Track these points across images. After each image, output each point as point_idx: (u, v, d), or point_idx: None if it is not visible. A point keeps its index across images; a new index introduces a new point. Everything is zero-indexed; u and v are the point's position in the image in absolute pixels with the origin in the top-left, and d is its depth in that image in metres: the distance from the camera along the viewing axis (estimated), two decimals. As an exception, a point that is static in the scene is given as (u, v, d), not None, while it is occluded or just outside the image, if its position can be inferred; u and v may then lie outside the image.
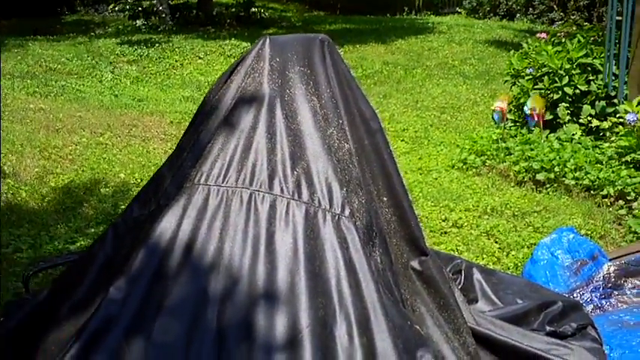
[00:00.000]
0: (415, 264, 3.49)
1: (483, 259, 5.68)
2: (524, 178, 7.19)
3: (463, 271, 4.13)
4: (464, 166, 7.67)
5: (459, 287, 3.91)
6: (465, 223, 6.30)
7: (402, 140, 8.72)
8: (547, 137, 7.71)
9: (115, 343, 2.77)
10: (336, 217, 3.01)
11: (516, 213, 6.49)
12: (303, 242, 2.95)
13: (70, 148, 7.75)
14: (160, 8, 16.49)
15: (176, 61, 13.10)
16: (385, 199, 3.43)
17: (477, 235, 6.08)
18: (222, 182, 3.06)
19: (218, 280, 2.90)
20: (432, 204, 6.68)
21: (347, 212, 3.03)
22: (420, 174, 7.54)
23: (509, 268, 5.48)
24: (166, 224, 3.00)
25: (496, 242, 5.98)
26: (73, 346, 2.81)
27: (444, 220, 6.37)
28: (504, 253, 5.78)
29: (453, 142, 8.52)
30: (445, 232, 6.16)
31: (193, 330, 2.82)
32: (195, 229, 2.98)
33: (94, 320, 2.82)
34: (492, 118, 8.21)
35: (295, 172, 3.07)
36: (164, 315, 2.84)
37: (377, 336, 2.85)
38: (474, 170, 7.57)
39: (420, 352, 2.93)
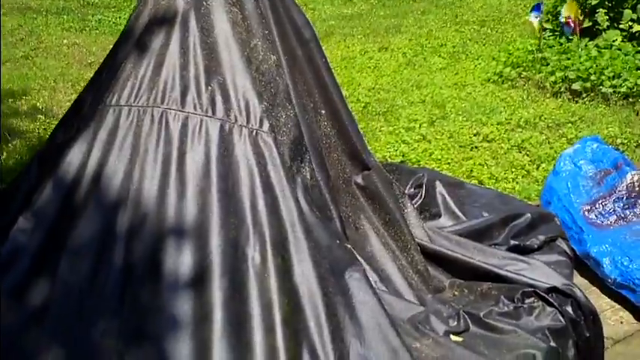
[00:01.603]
0: (358, 179, 3.33)
1: (512, 172, 5.51)
2: (560, 88, 6.92)
3: (425, 185, 3.90)
4: (499, 79, 7.41)
5: (420, 202, 3.72)
6: (497, 137, 6.11)
7: (439, 56, 8.46)
8: (585, 45, 7.42)
9: (18, 278, 2.71)
10: (254, 133, 2.85)
11: (550, 124, 6.27)
12: (216, 160, 2.80)
13: (102, 81, 7.69)
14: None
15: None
16: (323, 112, 3.25)
17: (507, 149, 5.89)
18: (134, 102, 2.92)
19: (126, 207, 2.78)
20: (464, 119, 6.48)
21: (266, 127, 2.87)
22: (455, 89, 7.32)
23: (537, 181, 5.30)
24: (77, 150, 2.89)
25: (527, 155, 5.79)
26: None
27: (475, 135, 6.18)
28: (534, 166, 5.60)
29: (492, 55, 8.23)
30: (475, 147, 5.98)
31: (99, 263, 2.73)
32: (105, 152, 2.86)
33: (1, 254, 2.75)
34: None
35: (210, 88, 2.91)
36: (69, 250, 2.75)
37: (295, 257, 2.72)
38: (509, 83, 7.31)
39: (348, 271, 2.78)
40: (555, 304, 3.10)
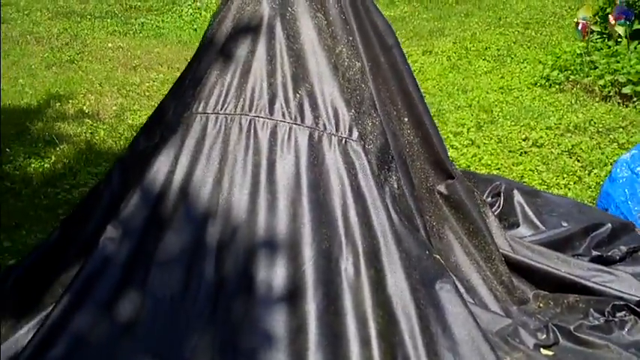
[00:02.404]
0: (442, 188, 3.29)
1: (564, 178, 5.45)
2: (609, 92, 6.85)
3: (503, 194, 3.86)
4: (546, 83, 7.33)
5: (499, 211, 3.67)
6: (546, 142, 6.05)
7: (483, 59, 8.42)
8: (635, 48, 7.34)
9: (109, 289, 2.70)
10: (343, 141, 2.82)
11: (600, 129, 6.20)
12: (306, 169, 2.77)
13: (148, 84, 7.73)
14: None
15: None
16: (406, 119, 3.21)
17: (557, 154, 5.83)
18: (221, 109, 2.88)
19: (216, 217, 2.76)
20: (512, 123, 6.43)
21: (355, 135, 2.83)
22: (502, 93, 7.27)
23: (590, 187, 5.24)
24: (163, 158, 2.86)
25: (578, 161, 5.73)
26: (69, 289, 2.76)
27: (524, 140, 6.13)
28: (586, 172, 5.53)
29: (537, 58, 8.16)
30: (525, 152, 5.93)
31: (190, 275, 2.71)
32: (193, 161, 2.84)
33: (90, 263, 2.74)
34: (576, 31, 7.86)
35: (298, 95, 2.87)
36: (159, 262, 2.74)
37: (387, 267, 2.68)
38: (557, 87, 7.24)
39: (439, 283, 2.75)
40: (648, 318, 3.06)
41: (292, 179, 2.77)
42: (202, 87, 2.96)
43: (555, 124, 6.35)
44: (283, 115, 2.86)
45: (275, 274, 2.68)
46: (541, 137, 6.11)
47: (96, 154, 5.88)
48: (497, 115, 6.63)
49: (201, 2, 11.92)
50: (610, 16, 7.59)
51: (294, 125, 2.84)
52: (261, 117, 2.85)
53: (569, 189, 5.29)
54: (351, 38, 3.05)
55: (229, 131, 2.85)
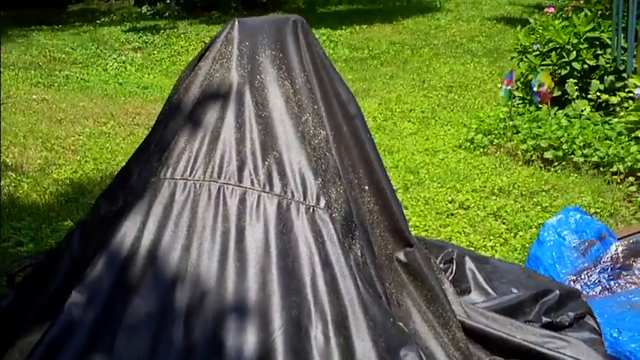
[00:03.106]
0: (400, 255, 3.34)
1: (490, 240, 5.56)
2: (532, 156, 7.04)
3: (455, 261, 3.93)
4: (471, 146, 7.51)
5: (451, 278, 3.73)
6: (472, 204, 6.17)
7: (408, 121, 8.59)
8: (555, 114, 7.57)
9: (75, 354, 2.66)
10: (311, 210, 2.86)
11: (524, 192, 6.35)
12: (275, 237, 2.80)
13: (73, 138, 7.67)
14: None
15: (181, 47, 12.98)
16: (367, 187, 3.27)
17: (484, 217, 5.95)
18: (190, 176, 2.91)
19: (185, 282, 2.75)
20: (439, 185, 6.56)
21: (322, 204, 2.88)
22: (427, 155, 7.41)
23: (516, 250, 5.36)
24: (130, 223, 2.86)
25: (503, 223, 5.85)
26: (32, 354, 2.70)
27: (450, 202, 6.24)
28: (512, 234, 5.66)
29: (461, 121, 8.37)
30: (452, 214, 6.04)
31: (158, 342, 2.69)
32: (160, 227, 2.84)
33: (54, 328, 2.69)
34: (504, 95, 8.07)
35: (266, 163, 2.91)
36: (126, 327, 2.71)
37: (355, 335, 2.71)
38: (481, 150, 7.43)
39: (403, 350, 2.79)
40: (602, 382, 3.15)
41: (261, 247, 2.79)
42: (170, 152, 2.97)
43: (480, 186, 6.49)
44: (252, 182, 2.88)
45: (245, 342, 2.67)
46: (467, 199, 6.24)
47: (19, 208, 5.79)
48: (424, 177, 6.75)
49: (126, 56, 11.92)
50: (537, 80, 7.83)
51: (262, 193, 2.86)
52: (230, 184, 2.87)
53: (495, 251, 5.39)
54: (316, 107, 3.10)
55: (198, 198, 2.86)
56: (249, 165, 2.91)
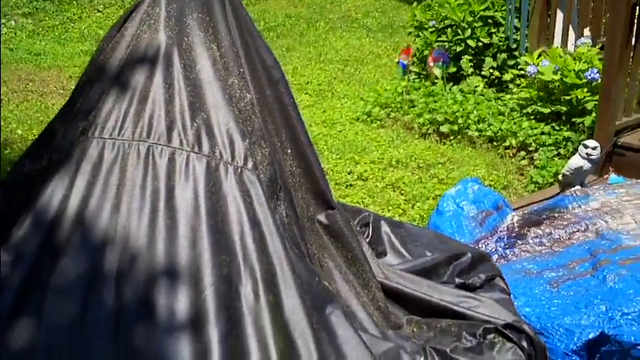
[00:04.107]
0: (322, 218, 3.40)
1: (389, 211, 5.68)
2: (428, 130, 7.20)
3: (371, 224, 4.00)
4: (368, 119, 7.62)
5: (368, 240, 3.82)
6: (371, 176, 6.29)
7: (305, 93, 8.63)
8: (450, 89, 7.73)
9: (1, 315, 2.64)
10: (239, 170, 2.89)
11: (421, 165, 6.50)
12: (204, 197, 2.81)
13: (-38, 101, 7.48)
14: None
15: (74, 14, 12.67)
16: (289, 151, 3.31)
17: (382, 188, 6.08)
18: (118, 135, 2.88)
19: (115, 242, 2.74)
20: (337, 157, 6.65)
21: (250, 165, 2.91)
22: (325, 127, 7.48)
23: (414, 220, 5.49)
24: (57, 182, 2.83)
25: (402, 194, 5.98)
26: None
27: (349, 173, 6.34)
28: (410, 205, 5.79)
29: (357, 94, 8.45)
30: (351, 185, 6.14)
31: (88, 303, 2.68)
32: (89, 186, 2.81)
33: None
34: (400, 69, 8.19)
35: (195, 124, 2.91)
36: (55, 289, 2.69)
37: (284, 293, 2.76)
38: (378, 123, 7.53)
39: (329, 307, 2.86)
40: (514, 339, 3.26)
41: (191, 206, 2.79)
42: (98, 112, 2.93)
43: (378, 158, 6.61)
44: (181, 142, 2.88)
45: (176, 301, 2.68)
46: (365, 171, 6.35)
47: None
48: (323, 148, 6.82)
49: (16, 22, 11.64)
50: (429, 58, 7.96)
51: (191, 153, 2.86)
52: (159, 144, 2.86)
53: (396, 221, 5.52)
54: (241, 70, 3.10)
55: (127, 157, 2.84)
56: (178, 125, 2.91)
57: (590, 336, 3.71)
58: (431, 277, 3.69)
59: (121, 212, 2.78)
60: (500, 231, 4.60)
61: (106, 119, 2.93)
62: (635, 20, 6.11)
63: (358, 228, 3.83)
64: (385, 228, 3.97)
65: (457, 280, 3.77)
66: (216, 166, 2.88)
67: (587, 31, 7.52)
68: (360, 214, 4.06)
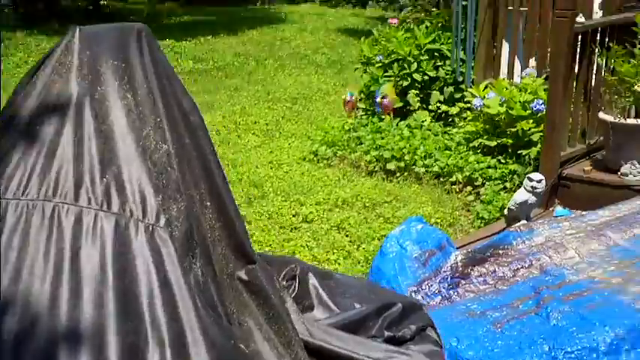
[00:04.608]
0: (242, 274, 3.27)
1: (334, 253, 5.59)
2: (375, 167, 7.16)
3: (298, 277, 3.86)
4: (315, 158, 7.57)
5: (294, 294, 3.68)
6: (316, 218, 6.21)
7: (253, 133, 8.58)
8: (397, 125, 7.71)
9: None
10: (150, 228, 2.76)
11: (367, 204, 6.44)
12: (112, 258, 2.68)
13: None
14: (3, 2, 15.87)
15: (20, 59, 12.60)
16: (208, 203, 3.18)
17: (327, 229, 5.99)
18: (22, 195, 2.74)
19: (15, 307, 2.60)
20: (283, 199, 6.57)
21: (162, 222, 2.78)
22: (271, 168, 7.42)
23: (359, 262, 5.41)
24: None
25: (347, 235, 5.90)
26: None
27: (294, 216, 6.26)
28: (355, 247, 5.71)
29: (305, 133, 8.42)
30: (295, 228, 6.05)
31: None
32: None
33: None
34: (344, 107, 8.17)
35: (105, 180, 2.78)
36: None
37: (195, 359, 2.64)
38: (325, 162, 7.48)
39: None
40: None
41: (97, 268, 2.65)
42: (3, 169, 2.80)
43: (324, 199, 6.54)
44: (89, 200, 2.74)
45: None
46: (311, 212, 6.27)
47: None
48: (268, 191, 6.75)
49: None
50: (381, 91, 7.96)
51: (100, 212, 2.73)
52: (66, 203, 2.72)
53: (339, 264, 5.44)
54: (158, 120, 2.98)
55: (31, 218, 2.70)
56: (87, 182, 2.77)
57: (533, 378, 3.65)
58: (359, 331, 3.57)
59: (22, 277, 2.64)
60: (444, 271, 4.52)
61: (11, 177, 2.78)
62: (578, 50, 6.13)
63: (284, 282, 3.72)
64: (313, 280, 3.84)
65: (386, 334, 3.65)
66: (126, 224, 2.75)
67: (532, 62, 7.55)
68: (287, 267, 3.92)
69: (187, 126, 3.21)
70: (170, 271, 2.74)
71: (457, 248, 4.84)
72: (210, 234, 3.13)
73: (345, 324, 3.62)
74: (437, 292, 4.43)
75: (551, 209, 5.98)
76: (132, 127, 2.91)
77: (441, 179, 6.78)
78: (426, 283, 4.47)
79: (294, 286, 3.83)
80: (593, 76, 6.41)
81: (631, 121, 5.93)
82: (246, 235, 3.42)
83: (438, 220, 6.12)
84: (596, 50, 6.27)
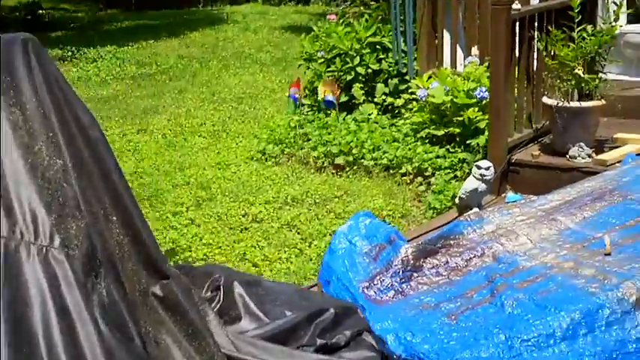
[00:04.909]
0: (156, 289, 3.09)
1: (285, 252, 5.50)
2: (323, 163, 7.06)
3: (222, 287, 3.65)
4: (263, 157, 7.45)
5: (218, 306, 3.50)
6: (266, 217, 6.10)
7: (199, 135, 8.44)
8: (344, 119, 7.63)
9: None
10: (44, 250, 2.58)
11: (317, 200, 6.34)
12: (1, 285, 2.51)
13: None
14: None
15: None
16: (114, 218, 3.00)
17: (278, 228, 5.89)
18: None
19: None
20: (231, 200, 6.45)
21: (57, 242, 2.61)
22: (219, 169, 7.28)
23: (311, 259, 5.32)
24: None
25: (298, 233, 5.81)
26: None
27: (243, 216, 6.15)
28: (307, 244, 5.62)
29: (252, 132, 8.30)
30: (246, 228, 5.94)
31: None
32: None
33: None
34: (292, 103, 8.06)
35: None
36: None
37: None
38: (273, 160, 7.37)
39: None
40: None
41: None
42: None
43: (274, 197, 6.43)
44: None
45: None
46: (260, 212, 6.16)
47: None
48: (216, 192, 6.62)
49: None
50: (319, 88, 7.87)
51: None
52: None
53: (291, 262, 5.34)
54: (51, 134, 2.81)
55: None
56: None
57: (490, 370, 3.57)
58: (290, 341, 3.40)
59: None
60: (395, 265, 4.41)
61: None
62: (517, 36, 6.10)
63: (208, 293, 3.55)
64: (239, 290, 3.64)
65: (319, 341, 3.47)
66: (17, 247, 2.57)
67: (474, 50, 7.49)
68: (211, 277, 3.73)
69: (86, 140, 3.03)
70: (67, 294, 2.56)
71: (407, 241, 4.76)
72: (119, 250, 2.94)
73: (274, 334, 3.45)
74: (389, 286, 4.32)
75: (503, 195, 5.92)
76: (19, 143, 2.73)
77: (391, 171, 6.69)
78: (378, 278, 4.36)
79: (219, 297, 3.63)
80: (535, 62, 6.39)
81: (574, 103, 5.90)
82: (157, 248, 3.25)
83: (390, 213, 6.03)
84: (536, 35, 6.24)
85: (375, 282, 4.33)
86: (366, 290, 4.28)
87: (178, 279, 3.26)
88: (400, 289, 4.31)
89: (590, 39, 5.88)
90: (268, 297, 3.71)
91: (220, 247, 5.59)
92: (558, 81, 5.96)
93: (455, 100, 6.66)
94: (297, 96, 7.97)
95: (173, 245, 5.62)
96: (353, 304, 4.02)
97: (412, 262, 4.43)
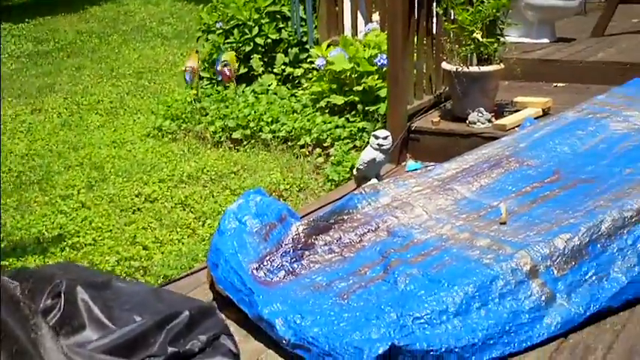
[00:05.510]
0: None
1: (177, 233, 5.27)
2: (220, 138, 6.82)
3: (64, 294, 3.25)
4: (159, 134, 7.19)
5: (59, 315, 3.13)
6: (160, 196, 5.85)
7: (96, 113, 8.13)
8: (243, 92, 7.39)
9: None
10: None
11: (213, 177, 6.11)
12: None
13: None
14: None
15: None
16: None
17: (171, 208, 5.65)
18: None
19: None
20: (125, 179, 6.18)
21: None
22: (114, 147, 7.00)
23: (204, 240, 5.10)
24: None
25: (191, 212, 5.57)
26: None
27: (136, 196, 5.89)
28: (200, 223, 5.40)
29: (150, 108, 8.02)
30: (138, 209, 5.68)
31: None
32: None
33: None
34: (184, 79, 7.78)
35: None
36: None
37: None
38: (169, 136, 7.11)
39: None
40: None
41: None
42: None
43: (168, 175, 6.19)
44: None
45: None
46: (154, 191, 5.91)
47: None
48: (110, 172, 6.35)
49: None
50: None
51: None
52: None
53: (183, 244, 5.11)
54: None
55: None
56: None
57: (380, 351, 3.34)
58: (137, 350, 3.05)
59: None
60: (286, 244, 4.19)
61: None
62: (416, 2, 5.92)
63: (49, 301, 3.24)
64: (82, 295, 3.24)
65: (170, 350, 3.12)
66: None
67: (375, 16, 7.32)
68: (52, 283, 3.31)
69: None
70: None
71: (301, 217, 4.55)
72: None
73: (119, 344, 3.10)
74: (280, 266, 4.09)
75: (403, 164, 5.76)
76: None
77: (289, 144, 6.48)
78: (268, 258, 4.13)
79: (60, 305, 3.24)
80: (435, 27, 6.22)
81: (473, 68, 5.74)
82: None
83: (288, 187, 5.83)
84: None
85: (265, 263, 4.10)
86: (255, 272, 4.04)
87: (3, 290, 2.90)
88: (291, 269, 4.09)
89: (489, 2, 5.72)
90: (118, 300, 3.36)
91: (111, 230, 5.33)
92: (457, 46, 5.80)
93: (357, 67, 6.46)
94: (191, 71, 7.68)
95: (61, 231, 5.33)
96: (211, 304, 3.75)
97: (303, 240, 4.22)
